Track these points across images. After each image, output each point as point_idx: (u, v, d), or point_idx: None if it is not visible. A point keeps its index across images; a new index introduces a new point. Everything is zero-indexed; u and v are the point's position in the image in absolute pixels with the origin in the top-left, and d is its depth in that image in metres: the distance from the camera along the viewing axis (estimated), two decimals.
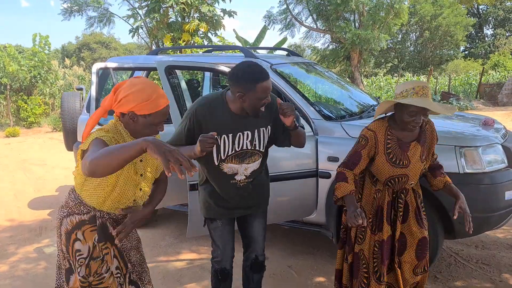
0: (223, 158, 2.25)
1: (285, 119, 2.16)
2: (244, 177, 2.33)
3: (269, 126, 2.32)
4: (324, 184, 3.36)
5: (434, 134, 2.42)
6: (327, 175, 3.33)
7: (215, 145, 2.09)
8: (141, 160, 1.92)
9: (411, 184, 2.39)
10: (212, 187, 2.39)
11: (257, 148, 2.30)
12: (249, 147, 2.27)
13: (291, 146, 2.40)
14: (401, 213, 2.40)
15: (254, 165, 2.33)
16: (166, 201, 3.78)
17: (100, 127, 1.87)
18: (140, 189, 1.94)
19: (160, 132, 1.93)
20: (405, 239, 2.42)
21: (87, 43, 44.75)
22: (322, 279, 3.40)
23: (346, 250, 2.55)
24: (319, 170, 3.36)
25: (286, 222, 3.60)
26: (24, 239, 4.48)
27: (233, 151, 2.25)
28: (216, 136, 2.04)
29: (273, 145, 2.44)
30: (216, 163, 2.27)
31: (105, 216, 1.91)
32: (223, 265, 2.51)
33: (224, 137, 2.21)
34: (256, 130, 2.26)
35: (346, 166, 2.37)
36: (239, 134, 2.22)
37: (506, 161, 3.12)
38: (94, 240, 1.89)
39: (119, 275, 1.96)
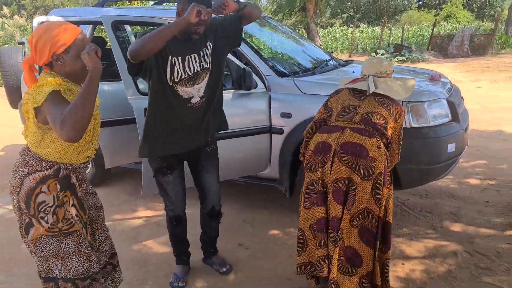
0: (176, 80, 2.34)
1: (228, 11, 2.20)
2: (199, 99, 2.45)
3: (209, 43, 2.42)
4: (277, 140, 3.40)
5: None
6: (280, 131, 3.37)
7: (168, 66, 2.29)
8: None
9: None
10: (160, 125, 2.47)
11: (205, 66, 2.42)
12: (199, 69, 2.40)
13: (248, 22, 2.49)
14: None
15: (203, 84, 2.45)
16: (120, 159, 3.74)
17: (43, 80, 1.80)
18: (92, 144, 2.05)
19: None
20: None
21: None
22: (276, 231, 3.51)
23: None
24: (272, 126, 3.39)
25: (240, 177, 3.65)
26: None
27: (186, 75, 2.36)
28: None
29: (230, 49, 2.58)
30: (170, 83, 2.34)
31: (68, 167, 1.98)
32: (176, 212, 2.72)
33: (174, 59, 2.31)
34: (200, 51, 2.39)
35: None
36: (188, 57, 2.34)
37: (450, 115, 3.26)
38: (57, 190, 1.96)
39: (79, 222, 2.04)
